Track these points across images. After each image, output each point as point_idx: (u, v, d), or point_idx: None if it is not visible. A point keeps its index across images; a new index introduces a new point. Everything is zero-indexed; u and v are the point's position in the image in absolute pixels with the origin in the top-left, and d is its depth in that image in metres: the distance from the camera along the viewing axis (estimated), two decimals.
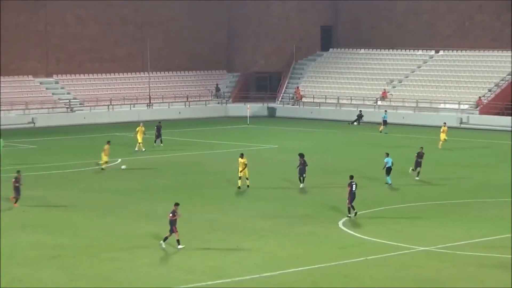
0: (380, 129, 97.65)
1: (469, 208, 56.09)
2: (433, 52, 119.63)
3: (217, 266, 41.13)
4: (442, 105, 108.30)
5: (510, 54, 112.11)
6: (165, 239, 43.89)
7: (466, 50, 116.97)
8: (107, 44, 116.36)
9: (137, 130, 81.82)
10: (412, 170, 66.04)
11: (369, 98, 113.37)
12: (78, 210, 54.61)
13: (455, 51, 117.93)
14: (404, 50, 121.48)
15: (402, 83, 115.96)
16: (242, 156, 61.48)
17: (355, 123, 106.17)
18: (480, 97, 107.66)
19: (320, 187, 62.64)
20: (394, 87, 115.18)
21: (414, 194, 60.23)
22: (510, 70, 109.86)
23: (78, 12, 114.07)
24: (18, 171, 56.56)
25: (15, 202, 54.93)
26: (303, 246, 45.13)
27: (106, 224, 51.07)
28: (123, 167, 71.76)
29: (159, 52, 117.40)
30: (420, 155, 65.89)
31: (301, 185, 61.89)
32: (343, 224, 50.03)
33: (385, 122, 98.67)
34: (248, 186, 61.18)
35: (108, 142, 71.53)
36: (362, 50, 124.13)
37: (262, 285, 38.32)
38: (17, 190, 55.16)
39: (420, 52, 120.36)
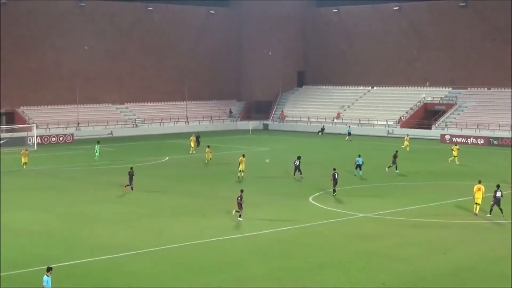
0: (346, 138, 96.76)
1: (399, 189, 55.53)
2: (370, 88, 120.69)
3: (228, 225, 42.09)
4: (376, 122, 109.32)
5: (419, 89, 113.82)
6: (238, 213, 42.47)
7: (391, 86, 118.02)
8: (160, 82, 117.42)
9: (190, 139, 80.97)
10: (389, 167, 63.58)
11: (329, 117, 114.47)
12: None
13: (384, 86, 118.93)
14: (351, 86, 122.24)
15: (350, 107, 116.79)
16: (243, 156, 60.51)
17: (320, 133, 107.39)
18: (400, 116, 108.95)
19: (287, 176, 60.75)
20: (345, 110, 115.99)
21: (363, 181, 58.88)
22: (419, 99, 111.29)
23: (141, 61, 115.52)
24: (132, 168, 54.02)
25: (126, 186, 53.10)
26: (286, 213, 45.02)
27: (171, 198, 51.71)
28: (267, 160, 70.96)
29: (193, 87, 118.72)
30: (395, 156, 64.00)
31: (295, 177, 59.26)
32: (312, 199, 49.87)
33: (349, 134, 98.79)
34: (242, 177, 59.10)
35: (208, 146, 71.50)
36: (324, 86, 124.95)
37: (257, 239, 38.68)
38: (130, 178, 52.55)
39: (361, 87, 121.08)
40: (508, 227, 40.71)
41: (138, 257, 34.61)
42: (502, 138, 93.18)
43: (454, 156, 70.63)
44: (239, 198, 42.53)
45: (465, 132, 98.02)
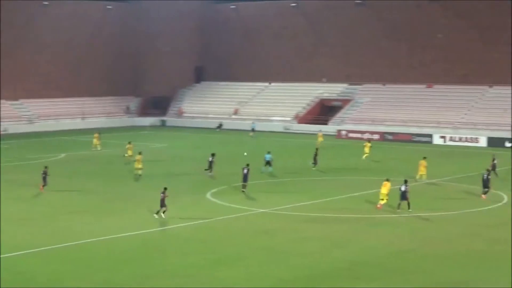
0: (250, 134, 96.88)
1: (299, 184, 56.17)
2: (267, 83, 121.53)
3: (127, 223, 41.85)
4: (274, 117, 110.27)
5: (316, 85, 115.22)
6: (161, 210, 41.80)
7: (288, 82, 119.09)
8: (56, 78, 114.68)
9: (94, 136, 78.65)
10: (313, 163, 63.65)
11: (227, 113, 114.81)
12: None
13: (282, 82, 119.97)
14: (249, 82, 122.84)
15: (248, 103, 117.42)
16: (140, 153, 59.57)
17: (218, 129, 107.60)
18: (297, 112, 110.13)
19: (195, 173, 61.13)
20: (242, 106, 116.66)
21: (264, 177, 58.18)
22: (316, 95, 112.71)
23: (36, 57, 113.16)
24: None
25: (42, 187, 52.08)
26: (184, 210, 44.79)
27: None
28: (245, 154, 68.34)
29: (90, 84, 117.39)
30: (316, 154, 63.96)
31: (210, 174, 58.36)
32: (211, 195, 49.78)
33: (253, 130, 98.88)
34: (140, 174, 58.04)
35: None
36: (222, 82, 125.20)
37: (155, 236, 38.89)
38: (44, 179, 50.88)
39: (259, 83, 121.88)
40: (406, 221, 41.70)
41: (32, 256, 33.92)
42: (396, 133, 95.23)
43: (366, 153, 71.32)
44: (162, 195, 41.92)
45: (361, 127, 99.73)
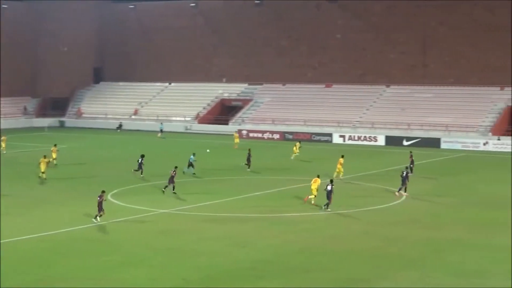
0: (158, 135, 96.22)
1: (203, 184, 55.45)
2: (167, 84, 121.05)
3: (27, 225, 41.01)
4: (174, 118, 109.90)
5: (216, 85, 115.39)
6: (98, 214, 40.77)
7: (189, 82, 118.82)
8: None
9: (2, 139, 76.14)
10: (245, 164, 63.29)
11: (127, 114, 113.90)
12: None
13: (182, 83, 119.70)
14: (149, 82, 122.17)
15: (148, 103, 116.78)
16: (45, 156, 58.45)
17: (118, 130, 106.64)
18: (198, 112, 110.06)
19: (97, 175, 61.15)
20: (142, 106, 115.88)
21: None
22: (216, 95, 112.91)
23: None
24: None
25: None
26: (85, 211, 43.24)
27: None
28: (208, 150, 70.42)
29: None
30: (249, 154, 63.48)
31: (141, 175, 57.92)
32: (112, 196, 48.82)
33: (161, 131, 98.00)
34: (45, 178, 56.80)
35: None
36: (122, 83, 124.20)
37: (57, 238, 38.18)
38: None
39: (159, 83, 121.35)
40: (307, 219, 42.16)
41: None
42: (296, 133, 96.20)
43: (295, 153, 71.77)
44: (99, 198, 41.03)
45: (261, 127, 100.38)
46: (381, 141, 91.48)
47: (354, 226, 40.56)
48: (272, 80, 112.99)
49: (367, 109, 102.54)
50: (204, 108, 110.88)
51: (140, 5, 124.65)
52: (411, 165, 61.02)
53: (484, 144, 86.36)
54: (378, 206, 47.02)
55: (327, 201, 44.78)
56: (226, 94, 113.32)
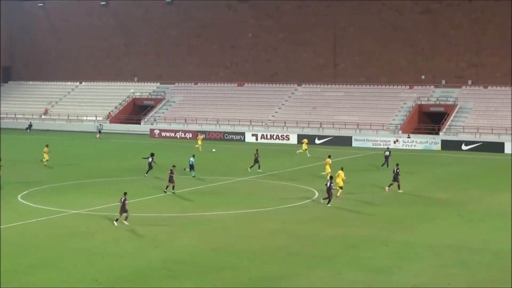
0: (97, 136, 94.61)
1: (118, 184, 55.41)
2: (78, 83, 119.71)
3: None
4: (85, 117, 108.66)
5: (128, 84, 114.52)
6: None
7: (100, 81, 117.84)
8: None
9: None
10: (252, 166, 62.50)
11: (37, 113, 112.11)
12: None
13: (93, 82, 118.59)
14: (59, 81, 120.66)
15: (58, 103, 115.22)
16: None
17: (28, 130, 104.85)
18: (110, 111, 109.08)
19: (3, 176, 59.21)
20: (53, 106, 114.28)
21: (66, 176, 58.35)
22: (128, 95, 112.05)
23: None
24: None
25: None
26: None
27: None
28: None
29: None
30: (257, 155, 62.82)
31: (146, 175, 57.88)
32: (22, 197, 48.23)
33: (100, 132, 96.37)
34: None
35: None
36: (31, 82, 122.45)
37: None
38: None
39: (70, 83, 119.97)
40: (219, 218, 42.16)
41: None
42: (209, 132, 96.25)
43: (305, 149, 74.66)
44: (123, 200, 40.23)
45: (174, 126, 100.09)
46: (293, 139, 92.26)
47: (267, 225, 40.69)
48: (184, 79, 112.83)
49: (279, 108, 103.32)
50: (115, 107, 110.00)
51: (50, 3, 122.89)
52: (386, 161, 64.98)
53: (395, 142, 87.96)
54: (291, 205, 47.28)
55: (326, 196, 46.31)
56: (137, 94, 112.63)
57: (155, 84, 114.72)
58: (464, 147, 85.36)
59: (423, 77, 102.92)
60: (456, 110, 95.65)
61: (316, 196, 50.49)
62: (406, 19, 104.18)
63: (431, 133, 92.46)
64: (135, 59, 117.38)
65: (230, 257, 33.67)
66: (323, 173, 57.59)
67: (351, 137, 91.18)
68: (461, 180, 58.83)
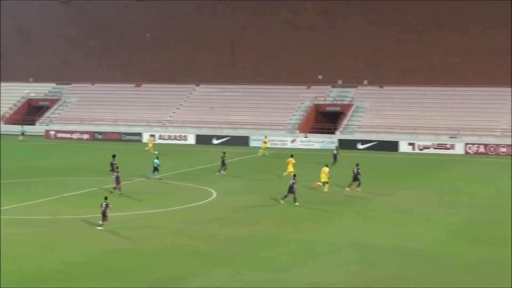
0: (20, 138, 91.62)
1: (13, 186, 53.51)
2: None
3: None
4: None
5: (23, 85, 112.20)
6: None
7: None
8: None
9: None
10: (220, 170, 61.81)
11: None
12: None
13: None
14: None
15: None
16: None
17: None
18: (4, 112, 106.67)
19: None
20: None
21: None
22: (22, 95, 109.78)
23: None
24: None
25: None
26: None
27: None
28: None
29: None
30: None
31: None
32: None
33: (23, 134, 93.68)
34: None
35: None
36: None
37: None
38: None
39: None
40: (119, 220, 41.63)
41: None
42: (106, 133, 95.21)
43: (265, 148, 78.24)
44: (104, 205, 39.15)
45: (70, 127, 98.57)
46: (191, 140, 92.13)
47: (166, 225, 40.37)
48: (81, 79, 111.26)
49: (177, 108, 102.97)
50: (10, 108, 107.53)
51: None
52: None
53: (292, 141, 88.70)
54: (190, 205, 47.12)
55: (287, 193, 46.98)
56: (33, 94, 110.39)
57: (51, 84, 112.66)
58: (360, 146, 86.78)
59: (320, 77, 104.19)
60: (352, 109, 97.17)
61: (214, 196, 50.46)
62: (303, 20, 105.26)
63: (328, 133, 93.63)
64: (31, 58, 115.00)
65: (129, 258, 33.25)
66: (285, 173, 58.14)
67: (248, 136, 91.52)
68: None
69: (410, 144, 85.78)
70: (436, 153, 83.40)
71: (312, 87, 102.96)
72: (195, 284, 29.26)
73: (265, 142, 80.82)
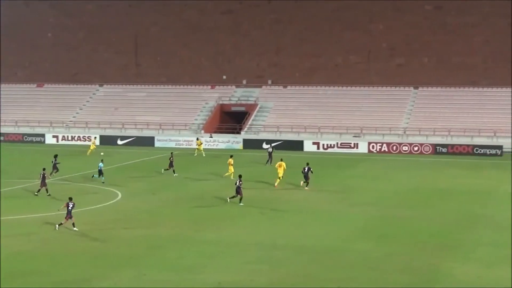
0: None
1: None
2: None
3: None
4: None
5: None
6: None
7: None
8: None
9: None
10: (166, 170, 61.81)
11: None
12: None
13: None
14: None
15: None
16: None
17: None
18: None
19: None
20: None
21: None
22: None
23: None
24: None
25: None
26: None
27: None
28: None
29: None
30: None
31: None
32: None
33: None
34: None
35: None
36: None
37: None
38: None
39: None
40: (22, 222, 40.92)
41: None
42: (7, 134, 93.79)
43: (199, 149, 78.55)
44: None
45: None
46: (96, 140, 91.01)
47: (71, 227, 39.88)
48: None
49: (80, 109, 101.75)
50: None
51: None
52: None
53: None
54: (94, 206, 46.71)
55: (235, 194, 47.53)
56: None
57: None
58: (265, 146, 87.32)
59: (224, 77, 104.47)
60: (256, 109, 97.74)
61: (119, 197, 50.11)
62: (207, 19, 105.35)
63: (233, 133, 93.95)
64: None
65: (33, 261, 32.81)
66: (227, 173, 58.76)
67: (153, 137, 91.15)
68: (263, 178, 59.98)
69: (314, 143, 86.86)
70: (340, 152, 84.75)
71: (217, 87, 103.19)
72: (101, 286, 29.07)
73: (199, 144, 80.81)
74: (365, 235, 38.75)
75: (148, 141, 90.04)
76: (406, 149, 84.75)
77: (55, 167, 59.06)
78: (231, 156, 61.29)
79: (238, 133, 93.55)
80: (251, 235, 38.56)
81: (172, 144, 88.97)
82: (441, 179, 61.75)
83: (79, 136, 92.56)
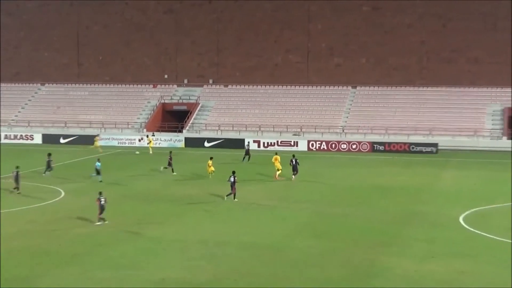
0: None
1: None
2: None
3: None
4: None
5: None
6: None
7: None
8: None
9: None
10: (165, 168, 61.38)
11: None
12: None
13: None
14: None
15: None
16: None
17: None
18: None
19: None
20: None
21: None
22: None
23: None
24: None
25: None
26: None
27: None
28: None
29: None
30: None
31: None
32: None
33: None
34: None
35: None
36: None
37: None
38: None
39: None
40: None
41: None
42: None
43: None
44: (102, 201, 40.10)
45: None
46: (38, 139, 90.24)
47: (12, 226, 39.43)
48: None
49: (22, 108, 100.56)
50: None
51: None
52: (248, 154, 70.54)
53: (140, 140, 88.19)
54: (37, 205, 46.24)
55: (230, 191, 47.93)
56: None
57: None
58: (206, 144, 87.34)
59: (166, 76, 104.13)
60: (198, 108, 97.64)
61: (62, 195, 49.68)
62: (149, 19, 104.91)
63: (175, 131, 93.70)
64: None
65: None
66: (209, 172, 58.08)
67: (96, 135, 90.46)
68: (206, 176, 59.86)
69: (255, 141, 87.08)
70: (281, 150, 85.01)
71: (158, 86, 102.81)
72: (44, 284, 28.82)
73: (150, 141, 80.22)
74: (306, 232, 39.00)
75: (90, 140, 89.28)
76: (345, 147, 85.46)
77: (49, 166, 58.94)
78: (211, 158, 59.76)
79: (180, 131, 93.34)
80: (194, 232, 38.54)
81: (115, 143, 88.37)
82: (379, 177, 62.43)
83: (21, 135, 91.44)
